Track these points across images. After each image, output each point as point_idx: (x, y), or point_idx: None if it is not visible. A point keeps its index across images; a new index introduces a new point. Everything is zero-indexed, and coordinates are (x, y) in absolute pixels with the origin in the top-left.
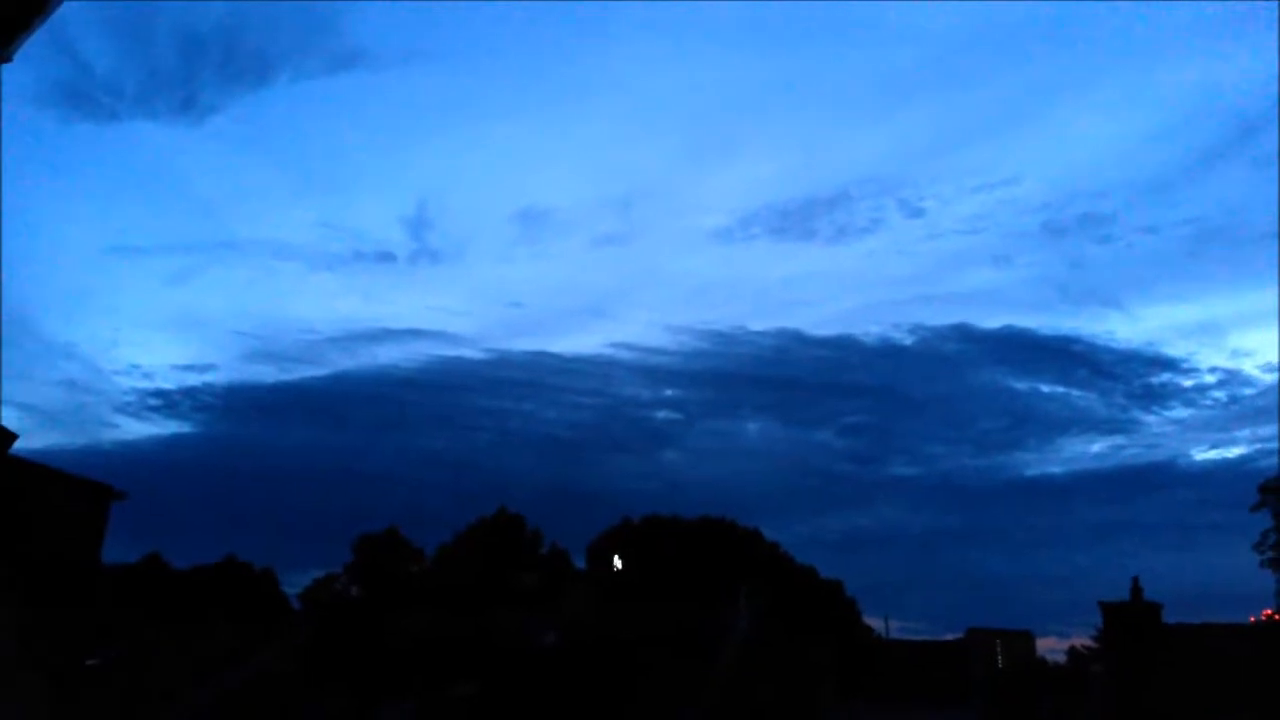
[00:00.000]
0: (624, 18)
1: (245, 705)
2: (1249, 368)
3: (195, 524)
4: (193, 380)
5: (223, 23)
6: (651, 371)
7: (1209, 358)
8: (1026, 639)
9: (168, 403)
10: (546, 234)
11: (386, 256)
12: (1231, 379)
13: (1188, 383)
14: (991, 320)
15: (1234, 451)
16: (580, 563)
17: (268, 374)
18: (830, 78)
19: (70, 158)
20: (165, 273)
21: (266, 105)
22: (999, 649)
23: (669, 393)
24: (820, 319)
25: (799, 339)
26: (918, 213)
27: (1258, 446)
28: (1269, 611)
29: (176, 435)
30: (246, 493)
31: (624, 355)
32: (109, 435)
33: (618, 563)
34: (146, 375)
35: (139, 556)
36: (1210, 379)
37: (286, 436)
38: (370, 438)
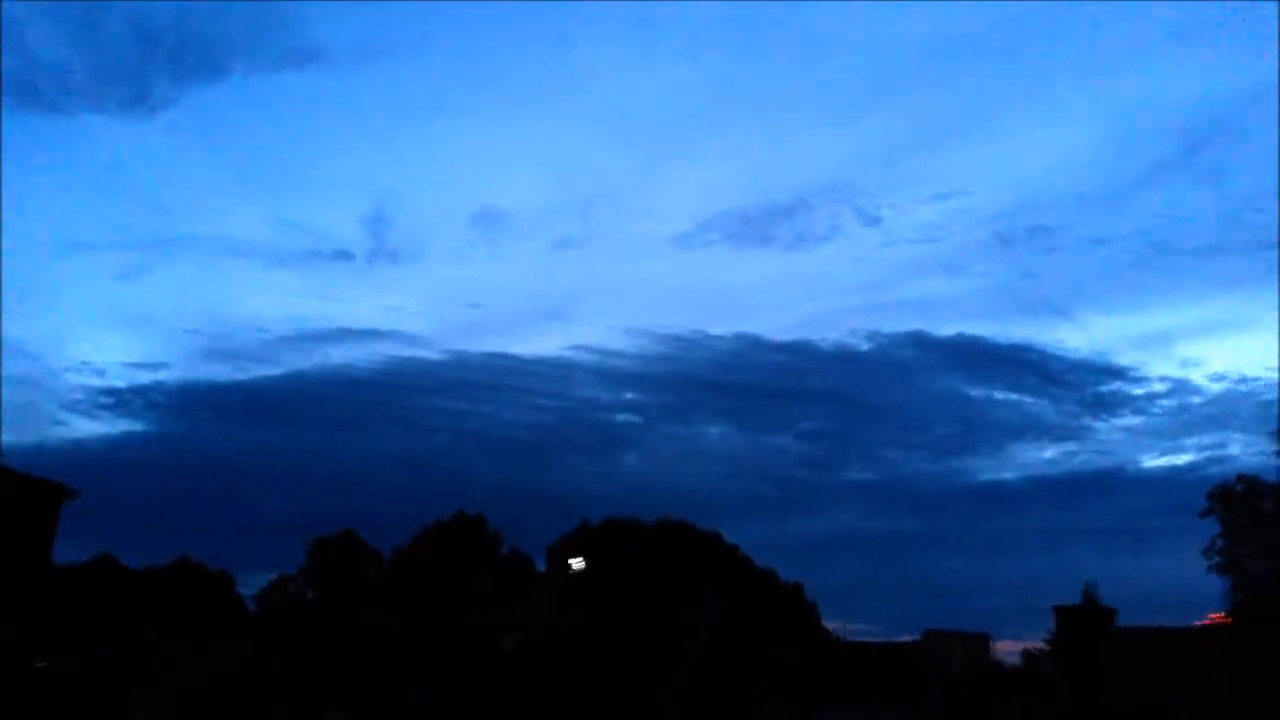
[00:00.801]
0: (585, 20)
1: (200, 710)
2: (1197, 377)
3: (148, 524)
4: (144, 378)
5: (175, 15)
6: (611, 374)
7: (1158, 367)
8: (982, 641)
9: (119, 401)
10: (505, 235)
11: (344, 255)
12: (1180, 388)
13: (1137, 391)
14: (946, 328)
15: (1183, 459)
16: (540, 565)
17: (221, 373)
18: (789, 85)
19: (17, 151)
20: (116, 269)
21: (220, 100)
22: (955, 651)
23: (628, 396)
24: (778, 325)
25: (757, 344)
26: (874, 221)
27: (1206, 454)
28: (1216, 615)
29: (128, 434)
30: (200, 493)
31: (583, 358)
32: (58, 433)
33: (577, 565)
34: (97, 373)
35: (90, 556)
36: (1159, 388)
37: (240, 436)
38: (326, 438)
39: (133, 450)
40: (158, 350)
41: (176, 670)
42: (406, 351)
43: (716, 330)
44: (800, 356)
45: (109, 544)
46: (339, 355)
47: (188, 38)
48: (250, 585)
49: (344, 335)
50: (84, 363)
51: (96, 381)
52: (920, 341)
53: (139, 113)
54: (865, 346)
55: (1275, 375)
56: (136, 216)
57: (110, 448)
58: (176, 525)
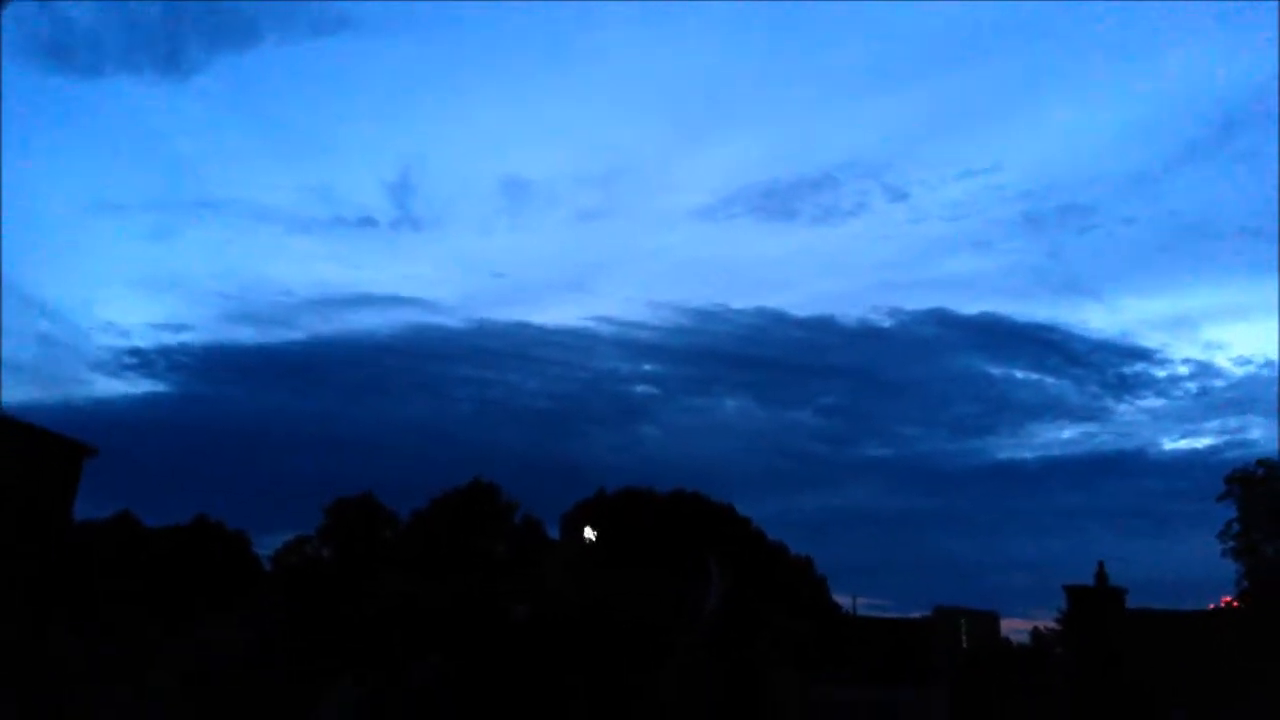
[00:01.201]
0: None
1: (209, 672)
2: (1221, 360)
3: (168, 483)
4: (169, 339)
5: None
6: (631, 346)
7: (1182, 349)
8: (991, 619)
9: (143, 361)
10: (530, 205)
11: (368, 222)
12: (1203, 371)
13: (1160, 373)
14: (970, 306)
15: (1203, 442)
16: (554, 533)
17: (245, 335)
18: (819, 60)
19: (49, 112)
20: (143, 230)
21: (251, 66)
22: (964, 628)
23: (648, 367)
24: (800, 300)
25: (779, 319)
26: (901, 197)
27: (1226, 438)
28: (1229, 599)
29: (151, 394)
30: (221, 453)
31: (605, 329)
32: (83, 392)
33: (589, 533)
34: (122, 333)
35: (110, 514)
36: (1183, 370)
37: (263, 399)
38: (347, 403)
39: (156, 410)
40: (183, 312)
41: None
42: (429, 319)
43: (738, 304)
44: (821, 332)
45: (129, 502)
46: (361, 321)
47: (220, 3)
48: (268, 546)
49: (367, 301)
50: (110, 323)
51: (121, 342)
52: (943, 319)
53: (171, 77)
54: (887, 323)
55: None
56: (166, 179)
57: (133, 407)
58: (197, 485)
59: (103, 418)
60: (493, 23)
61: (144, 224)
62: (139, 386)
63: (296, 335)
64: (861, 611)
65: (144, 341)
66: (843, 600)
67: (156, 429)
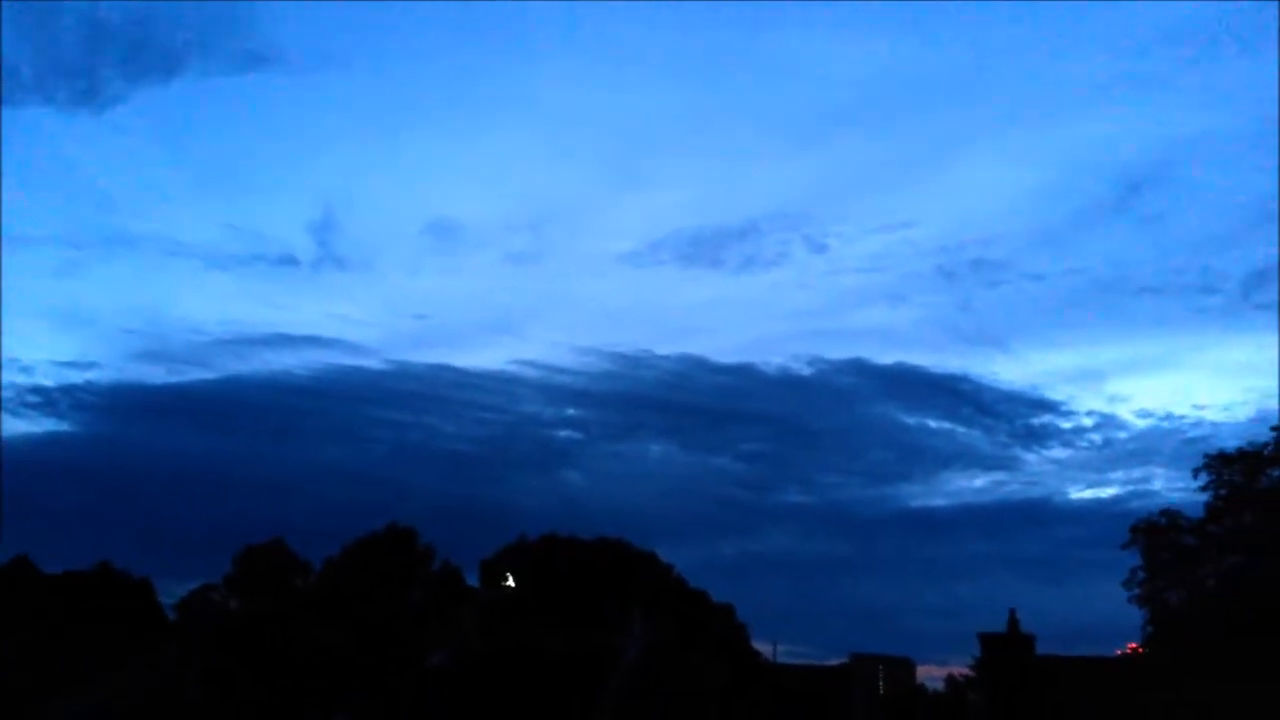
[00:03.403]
0: (545, 36)
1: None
2: (1124, 413)
3: (69, 527)
4: (74, 377)
5: (130, 14)
6: (555, 390)
7: (1087, 401)
8: (907, 666)
9: (46, 400)
10: (457, 247)
11: (289, 260)
12: (1107, 423)
13: (1067, 424)
14: (886, 356)
15: (1108, 491)
16: (474, 580)
17: (154, 375)
18: (746, 112)
19: None
20: (52, 264)
21: (172, 99)
22: (881, 675)
23: (571, 412)
24: (723, 347)
25: (702, 365)
26: (821, 249)
27: (1130, 488)
28: (1134, 645)
29: (54, 434)
30: (125, 497)
31: (528, 373)
32: None
33: (510, 581)
34: (25, 370)
35: (6, 559)
36: (1088, 422)
37: (171, 440)
38: (260, 445)
39: (58, 451)
40: (90, 349)
41: (94, 682)
42: (349, 360)
43: (662, 350)
44: (743, 379)
45: (27, 547)
46: (277, 361)
47: (142, 36)
48: (174, 594)
49: (284, 341)
50: (11, 359)
51: (23, 379)
52: (860, 369)
53: (88, 108)
54: (807, 372)
55: (1198, 413)
56: (79, 212)
57: (34, 447)
58: (99, 530)
59: (1, 458)
60: (422, 63)
61: (52, 258)
62: (41, 425)
63: (209, 375)
64: (781, 659)
65: (48, 379)
66: (763, 647)
67: (58, 470)
